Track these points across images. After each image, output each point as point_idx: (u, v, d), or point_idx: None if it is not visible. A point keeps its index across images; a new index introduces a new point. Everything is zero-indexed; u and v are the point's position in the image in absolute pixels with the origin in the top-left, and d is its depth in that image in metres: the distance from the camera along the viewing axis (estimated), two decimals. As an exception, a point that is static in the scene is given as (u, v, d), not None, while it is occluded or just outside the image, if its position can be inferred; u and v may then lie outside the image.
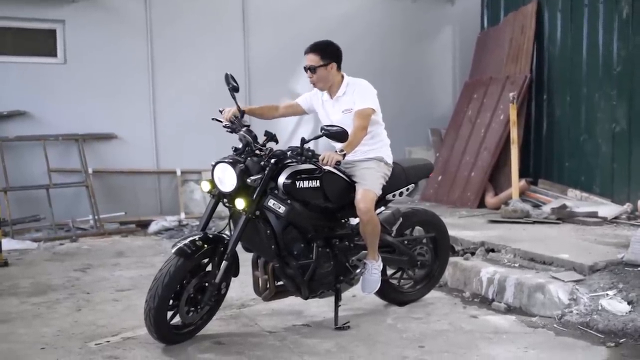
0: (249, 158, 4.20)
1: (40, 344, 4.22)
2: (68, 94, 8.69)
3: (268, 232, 4.19)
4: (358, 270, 4.62)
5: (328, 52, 4.53)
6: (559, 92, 8.71)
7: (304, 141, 4.18)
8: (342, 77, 4.62)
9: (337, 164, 4.24)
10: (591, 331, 4.33)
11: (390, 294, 5.03)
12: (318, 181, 4.31)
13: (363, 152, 4.57)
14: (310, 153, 4.16)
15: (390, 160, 4.71)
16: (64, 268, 6.52)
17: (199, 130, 8.81)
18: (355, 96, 4.53)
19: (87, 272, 6.34)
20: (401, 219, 4.95)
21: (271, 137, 4.29)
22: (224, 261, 4.11)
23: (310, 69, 4.50)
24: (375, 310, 4.97)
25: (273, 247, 4.20)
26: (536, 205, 7.96)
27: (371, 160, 4.59)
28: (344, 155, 4.23)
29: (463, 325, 4.57)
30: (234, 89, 4.52)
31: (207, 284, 4.14)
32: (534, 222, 7.11)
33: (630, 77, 7.60)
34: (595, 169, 8.13)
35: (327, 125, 4.23)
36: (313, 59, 4.50)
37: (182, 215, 9.01)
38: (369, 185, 4.48)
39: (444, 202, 9.12)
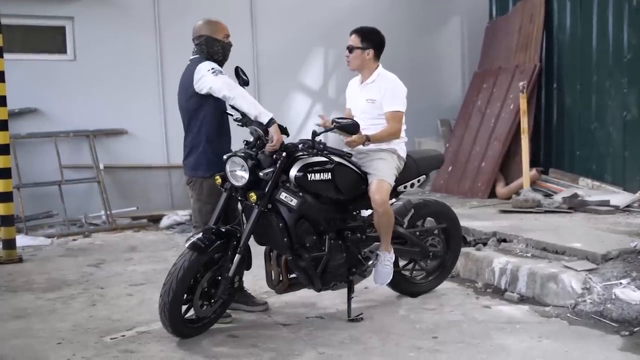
0: (260, 151, 4.22)
1: (56, 339, 4.26)
2: (78, 91, 8.73)
3: (280, 225, 4.19)
4: (370, 262, 4.63)
5: (369, 38, 4.67)
6: (569, 80, 8.66)
7: (315, 134, 4.21)
8: (377, 66, 4.71)
9: (349, 156, 4.24)
10: (605, 320, 4.32)
11: (402, 285, 5.04)
12: (330, 173, 4.32)
13: (377, 144, 4.58)
14: (321, 146, 4.17)
15: (403, 154, 4.72)
16: (77, 263, 6.57)
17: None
18: (384, 91, 4.60)
19: (101, 267, 6.38)
20: (412, 211, 4.95)
21: (282, 130, 4.32)
22: (237, 255, 4.13)
23: (349, 48, 4.66)
24: (388, 301, 4.98)
25: (285, 240, 4.21)
26: (547, 195, 7.93)
27: (384, 151, 4.60)
28: (365, 144, 4.38)
29: (476, 316, 4.57)
30: (244, 83, 4.55)
31: (220, 278, 4.17)
32: (546, 212, 7.08)
33: (641, 65, 7.55)
34: (607, 157, 8.08)
35: (339, 118, 4.27)
36: (354, 40, 4.68)
37: (193, 210, 9.03)
38: (383, 175, 4.49)
39: (455, 192, 9.10)
